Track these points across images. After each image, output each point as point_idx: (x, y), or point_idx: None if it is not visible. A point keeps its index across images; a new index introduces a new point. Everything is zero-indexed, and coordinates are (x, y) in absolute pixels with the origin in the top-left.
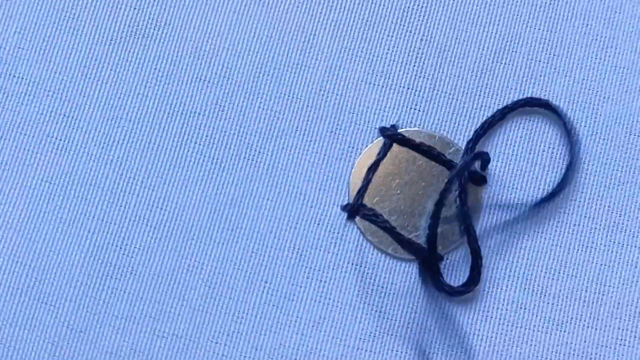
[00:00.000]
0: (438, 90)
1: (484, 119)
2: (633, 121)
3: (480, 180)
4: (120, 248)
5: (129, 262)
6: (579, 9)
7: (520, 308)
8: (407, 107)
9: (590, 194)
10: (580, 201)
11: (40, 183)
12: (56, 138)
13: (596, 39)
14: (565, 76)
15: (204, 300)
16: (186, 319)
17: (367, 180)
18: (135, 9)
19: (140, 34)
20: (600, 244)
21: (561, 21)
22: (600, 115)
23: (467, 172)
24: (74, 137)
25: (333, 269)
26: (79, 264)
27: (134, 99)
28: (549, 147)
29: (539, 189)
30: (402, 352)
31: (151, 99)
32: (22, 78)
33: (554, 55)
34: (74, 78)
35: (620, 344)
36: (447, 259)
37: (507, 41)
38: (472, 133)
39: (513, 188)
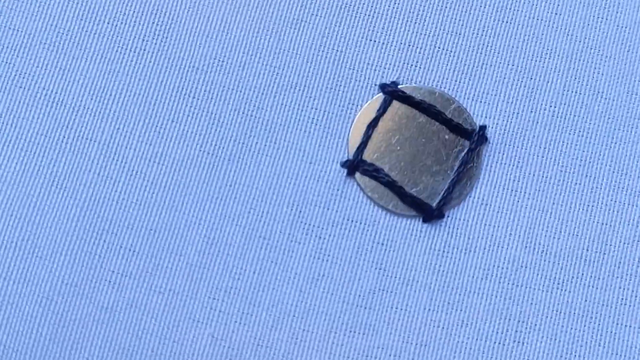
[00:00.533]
0: (439, 48)
1: (485, 76)
2: (634, 80)
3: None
4: (117, 202)
5: (125, 217)
6: None
7: (521, 267)
8: (407, 64)
9: (592, 152)
10: (581, 160)
11: (36, 136)
12: (52, 91)
13: None
14: (567, 35)
15: (201, 256)
16: (183, 274)
17: (366, 137)
18: None
19: None
20: (602, 203)
21: None
22: (602, 74)
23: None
24: (70, 90)
25: (332, 225)
26: (75, 218)
27: (132, 52)
28: (551, 105)
29: (540, 147)
30: (401, 309)
31: (149, 52)
32: (18, 30)
33: (556, 13)
34: (70, 31)
35: (622, 304)
36: (448, 216)
37: (508, 2)
38: (471, 90)
39: (514, 146)
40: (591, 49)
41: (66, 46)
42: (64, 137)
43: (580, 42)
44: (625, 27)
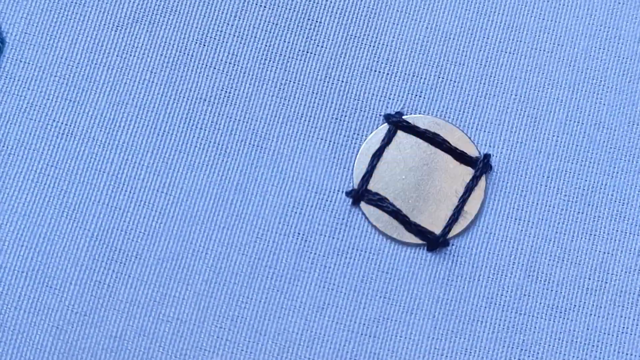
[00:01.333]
0: (443, 78)
1: (489, 106)
2: (636, 110)
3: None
4: (125, 232)
5: (133, 247)
6: None
7: (524, 295)
8: (412, 94)
9: (594, 182)
10: (584, 189)
11: (46, 167)
12: (62, 123)
13: (600, 29)
14: (569, 65)
15: (208, 285)
16: (190, 303)
17: (371, 166)
18: None
19: (146, 20)
20: (604, 232)
21: (565, 11)
22: (604, 104)
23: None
24: (80, 122)
25: (337, 254)
26: (84, 248)
27: (140, 84)
28: (553, 135)
29: (544, 176)
30: (406, 337)
31: (157, 84)
32: (28, 63)
33: (558, 44)
34: (80, 63)
35: (623, 332)
36: (452, 244)
37: (512, 30)
38: (475, 119)
39: (517, 175)
40: (593, 79)
41: (75, 78)
42: (74, 168)
43: (582, 72)
44: (627, 59)
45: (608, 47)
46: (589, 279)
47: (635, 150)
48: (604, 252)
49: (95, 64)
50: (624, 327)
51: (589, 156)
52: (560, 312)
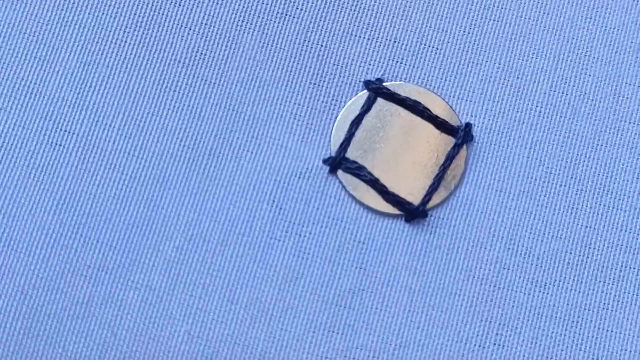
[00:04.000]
0: (425, 45)
1: (471, 75)
2: (621, 82)
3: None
4: (94, 196)
5: (102, 211)
6: None
7: (504, 268)
8: (393, 60)
9: (577, 154)
10: (567, 161)
11: (13, 127)
12: (31, 82)
13: None
14: (555, 34)
15: (179, 251)
16: (160, 270)
17: (350, 134)
18: None
19: None
20: (586, 206)
21: None
22: (589, 75)
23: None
24: (49, 81)
25: (313, 223)
26: (51, 211)
27: (112, 44)
28: (537, 105)
29: (526, 147)
30: (381, 309)
31: (130, 44)
32: None
33: (544, 12)
34: (50, 21)
35: (603, 308)
36: (431, 215)
37: (497, 1)
38: (457, 88)
39: (499, 145)
40: (579, 49)
41: (46, 36)
42: (42, 129)
43: (567, 42)
44: (614, 29)
45: (595, 17)
46: (570, 253)
47: (619, 122)
48: (586, 226)
49: (67, 21)
50: (604, 303)
51: (572, 128)
52: (540, 287)
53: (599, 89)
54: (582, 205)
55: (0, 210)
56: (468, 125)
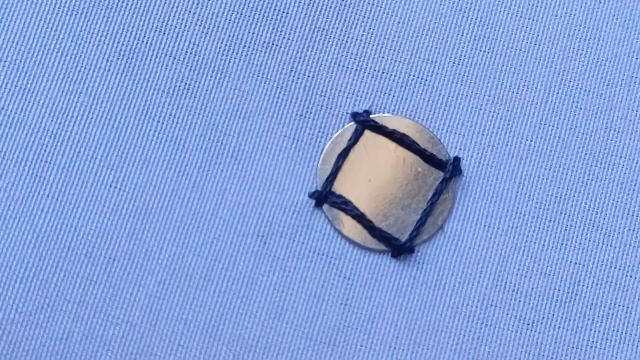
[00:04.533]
0: (413, 76)
1: (460, 107)
2: (613, 116)
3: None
4: (75, 229)
5: (83, 244)
6: None
7: (491, 305)
8: (381, 91)
9: (567, 189)
10: (556, 196)
11: None
12: (10, 111)
13: (579, 29)
14: (545, 66)
15: (161, 286)
16: (142, 305)
17: (336, 167)
18: None
19: (103, 4)
20: (576, 242)
21: (543, 9)
22: (580, 108)
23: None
24: (30, 110)
25: (298, 258)
26: (30, 244)
27: (95, 73)
28: (526, 139)
29: (515, 182)
30: (366, 347)
31: (113, 73)
32: None
33: (535, 44)
34: (31, 48)
35: (592, 346)
36: (418, 251)
37: (487, 28)
38: (446, 120)
39: (488, 180)
40: (570, 81)
41: (27, 64)
42: (22, 159)
43: (558, 74)
44: (605, 61)
45: (587, 49)
46: (559, 290)
47: (610, 157)
48: (575, 263)
49: (48, 49)
50: (592, 341)
51: (562, 162)
52: (528, 324)
53: (590, 123)
54: (572, 242)
55: None
56: (456, 159)
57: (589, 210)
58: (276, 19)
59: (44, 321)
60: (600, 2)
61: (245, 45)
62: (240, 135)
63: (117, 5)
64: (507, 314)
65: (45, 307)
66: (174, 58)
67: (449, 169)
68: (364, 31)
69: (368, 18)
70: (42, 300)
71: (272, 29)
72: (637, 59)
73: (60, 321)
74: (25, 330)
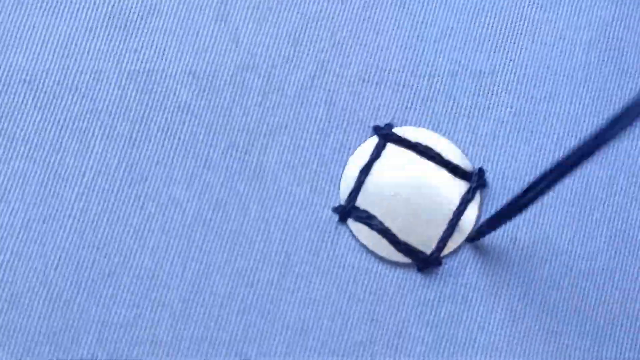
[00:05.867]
0: (435, 89)
1: (483, 119)
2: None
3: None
4: (98, 249)
5: (106, 264)
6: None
7: (518, 318)
8: (402, 105)
9: (593, 199)
10: (581, 206)
11: (13, 179)
12: (31, 131)
13: (601, 39)
14: (569, 77)
15: (185, 304)
16: (166, 324)
17: (359, 182)
18: None
19: (122, 22)
20: (603, 252)
21: (566, 18)
22: (604, 118)
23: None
24: (51, 130)
25: (323, 273)
26: (54, 264)
27: (115, 91)
28: (550, 150)
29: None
30: None
31: (133, 91)
32: None
33: (557, 56)
34: (51, 68)
35: (620, 358)
36: (444, 264)
37: (509, 39)
38: (468, 133)
39: (513, 191)
40: (593, 91)
41: (46, 84)
42: (43, 179)
43: (581, 84)
44: (628, 71)
45: (609, 59)
46: (586, 300)
47: (634, 165)
48: (602, 269)
49: (68, 68)
50: (620, 353)
51: (586, 172)
52: (557, 335)
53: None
54: (599, 252)
55: (0, 265)
56: (481, 171)
57: (614, 219)
58: (295, 34)
59: (68, 342)
60: (622, 12)
61: (264, 61)
62: (262, 152)
63: (136, 23)
64: (535, 326)
65: (69, 328)
66: (194, 75)
67: (475, 180)
68: (384, 44)
69: (388, 31)
70: (65, 321)
71: (292, 44)
72: None
73: (85, 342)
74: (49, 352)
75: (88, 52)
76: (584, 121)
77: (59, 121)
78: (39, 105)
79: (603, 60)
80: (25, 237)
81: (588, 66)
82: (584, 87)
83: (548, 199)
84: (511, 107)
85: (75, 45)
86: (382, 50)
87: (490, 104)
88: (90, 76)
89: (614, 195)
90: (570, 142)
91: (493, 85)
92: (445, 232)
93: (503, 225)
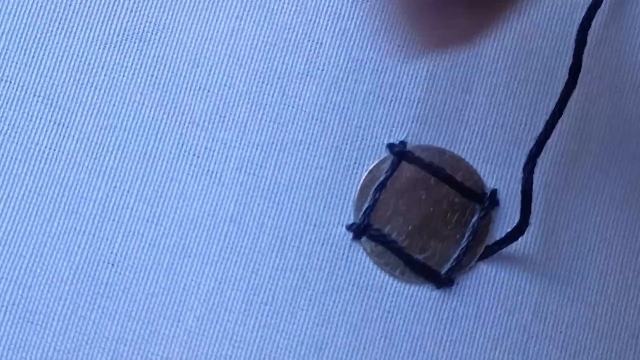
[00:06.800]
0: (449, 106)
1: (497, 137)
2: None
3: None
4: (112, 265)
5: (120, 280)
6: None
7: (532, 337)
8: (417, 122)
9: (606, 217)
10: (595, 226)
11: (28, 194)
12: (46, 147)
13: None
14: (582, 93)
15: (199, 322)
16: (180, 341)
17: (374, 199)
18: (131, 11)
19: (136, 37)
20: (616, 270)
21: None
22: (614, 137)
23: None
24: (65, 146)
25: (337, 291)
26: (68, 281)
27: (129, 106)
28: (562, 168)
29: (553, 211)
30: None
31: (147, 107)
32: (10, 82)
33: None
34: (65, 83)
35: None
36: (457, 283)
37: (522, 56)
38: (482, 151)
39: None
40: (606, 109)
41: (60, 99)
42: (58, 195)
43: (592, 101)
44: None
45: (620, 75)
46: (601, 320)
47: None
48: (617, 291)
49: (82, 83)
50: None
51: (600, 189)
52: (570, 355)
53: (625, 150)
54: (612, 270)
55: (15, 281)
56: (494, 192)
57: (629, 238)
58: (310, 50)
59: (82, 359)
60: None
61: (279, 77)
62: (276, 168)
63: (150, 38)
64: (549, 345)
65: (83, 345)
66: (208, 90)
67: (487, 202)
68: (398, 61)
69: (402, 48)
70: (80, 338)
71: (306, 60)
72: None
73: (99, 359)
74: None
75: (102, 68)
76: (597, 139)
77: (73, 137)
78: (52, 120)
79: (618, 76)
80: (40, 254)
81: (600, 83)
82: (595, 102)
83: (561, 217)
84: (525, 125)
85: (90, 60)
86: (396, 66)
87: (504, 122)
88: (104, 92)
89: (626, 209)
90: (584, 159)
91: (507, 102)
92: (458, 252)
93: (516, 244)
